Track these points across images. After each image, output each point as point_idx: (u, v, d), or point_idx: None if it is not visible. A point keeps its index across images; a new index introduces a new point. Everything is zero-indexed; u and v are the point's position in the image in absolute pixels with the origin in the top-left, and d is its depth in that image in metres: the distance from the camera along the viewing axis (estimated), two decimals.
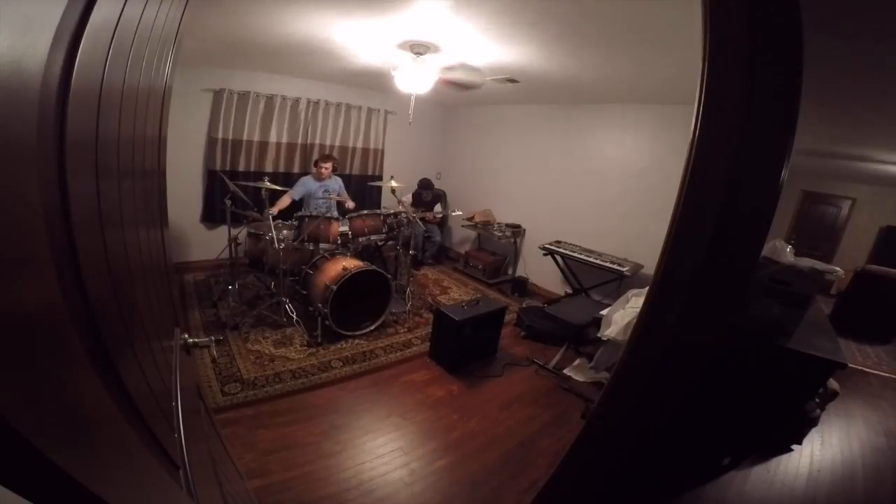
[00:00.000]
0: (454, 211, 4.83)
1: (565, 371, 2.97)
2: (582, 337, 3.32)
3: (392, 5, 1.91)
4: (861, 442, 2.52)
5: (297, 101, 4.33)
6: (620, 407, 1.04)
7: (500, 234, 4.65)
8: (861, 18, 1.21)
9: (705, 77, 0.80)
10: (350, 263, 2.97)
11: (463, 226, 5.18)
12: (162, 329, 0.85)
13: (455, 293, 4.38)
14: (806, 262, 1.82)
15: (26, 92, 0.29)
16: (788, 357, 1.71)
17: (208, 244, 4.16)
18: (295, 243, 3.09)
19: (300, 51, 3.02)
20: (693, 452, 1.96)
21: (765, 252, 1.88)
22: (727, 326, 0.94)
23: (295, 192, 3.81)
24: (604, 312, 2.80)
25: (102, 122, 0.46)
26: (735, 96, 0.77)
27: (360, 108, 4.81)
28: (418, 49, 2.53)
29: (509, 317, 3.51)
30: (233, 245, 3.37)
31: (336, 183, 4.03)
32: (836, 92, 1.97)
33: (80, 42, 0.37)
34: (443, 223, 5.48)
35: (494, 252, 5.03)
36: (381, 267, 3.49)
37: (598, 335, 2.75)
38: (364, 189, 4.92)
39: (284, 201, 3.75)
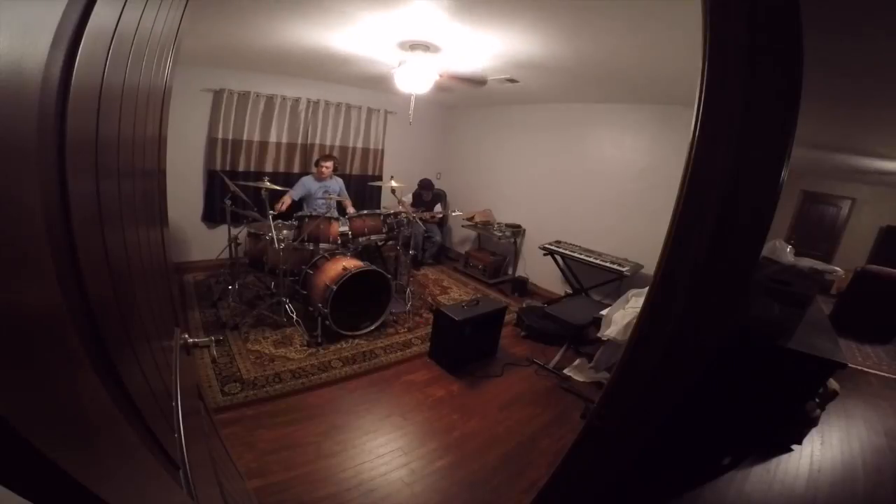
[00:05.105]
0: (454, 211, 4.83)
1: (565, 371, 2.97)
2: (582, 337, 3.32)
3: (391, 4, 1.91)
4: (861, 442, 2.52)
5: (297, 101, 4.33)
6: (620, 407, 1.04)
7: (500, 234, 4.65)
8: (861, 18, 1.21)
9: (705, 77, 0.79)
10: (350, 263, 2.97)
11: (463, 226, 5.18)
12: (162, 329, 0.85)
13: (455, 293, 4.38)
14: (806, 262, 1.82)
15: (26, 92, 0.28)
16: (788, 357, 1.71)
17: (208, 244, 4.16)
18: (295, 243, 3.09)
19: (300, 55, 3.02)
20: (693, 452, 1.96)
21: (765, 252, 1.88)
22: (727, 326, 0.94)
23: (295, 193, 3.81)
24: (604, 312, 2.80)
25: (102, 122, 0.46)
26: (735, 96, 0.77)
27: (360, 108, 4.81)
28: (418, 49, 2.53)
29: (509, 317, 3.51)
30: (233, 245, 3.37)
31: (337, 184, 4.04)
32: (836, 92, 1.97)
33: (80, 42, 0.37)
34: (443, 223, 5.48)
35: (494, 252, 5.03)
36: (381, 267, 3.50)
37: (598, 335, 2.75)
38: (364, 189, 4.92)
39: (285, 201, 3.75)
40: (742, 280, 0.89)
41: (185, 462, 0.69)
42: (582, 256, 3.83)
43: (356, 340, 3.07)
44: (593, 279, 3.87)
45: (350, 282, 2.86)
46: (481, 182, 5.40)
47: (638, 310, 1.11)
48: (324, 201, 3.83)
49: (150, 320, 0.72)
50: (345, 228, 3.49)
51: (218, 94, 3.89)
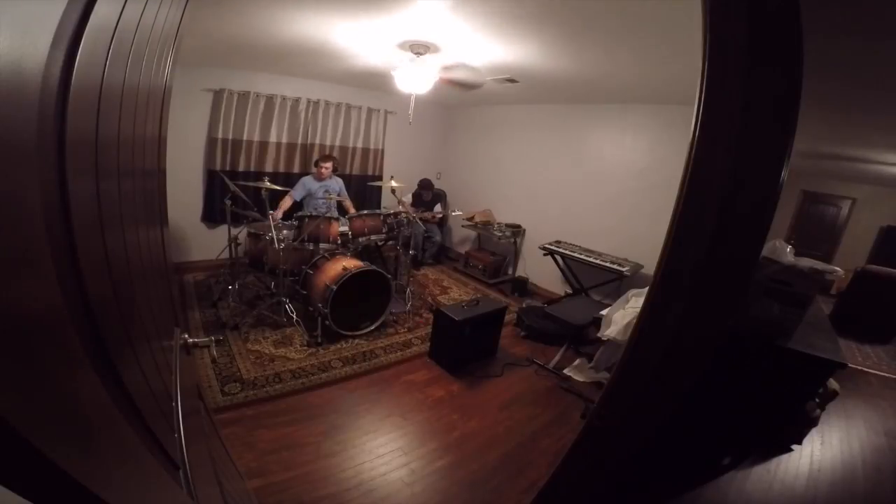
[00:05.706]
0: (454, 211, 4.83)
1: (565, 371, 2.97)
2: (582, 337, 3.32)
3: (391, 5, 1.91)
4: (861, 442, 2.52)
5: (297, 101, 4.33)
6: (620, 407, 1.04)
7: (500, 234, 4.65)
8: (861, 18, 1.21)
9: (705, 77, 0.79)
10: (350, 263, 2.97)
11: (463, 226, 5.18)
12: (162, 329, 0.85)
13: (455, 293, 4.38)
14: (806, 262, 1.82)
15: (26, 92, 0.28)
16: (788, 357, 1.71)
17: (208, 244, 4.16)
18: (295, 243, 3.09)
19: (300, 52, 3.01)
20: (693, 452, 1.96)
21: (765, 252, 1.88)
22: (727, 326, 0.94)
23: (296, 193, 3.82)
24: (604, 312, 2.80)
25: (102, 122, 0.46)
26: (735, 96, 0.77)
27: (360, 108, 4.81)
28: (418, 49, 2.53)
29: (509, 317, 3.51)
30: (233, 245, 3.37)
31: (337, 183, 4.04)
32: (836, 92, 1.97)
33: (80, 42, 0.37)
34: (443, 223, 5.48)
35: (494, 252, 5.03)
36: (381, 267, 3.50)
37: (598, 335, 2.75)
38: (364, 189, 4.92)
39: (286, 202, 3.76)
40: (742, 280, 0.89)
41: (185, 462, 0.69)
42: (582, 256, 3.83)
43: (356, 340, 3.07)
44: (593, 279, 3.87)
45: (350, 282, 2.86)
46: (481, 182, 5.40)
47: (638, 310, 1.11)
48: (324, 201, 3.83)
49: (150, 320, 0.72)
50: (345, 228, 3.49)
51: (218, 94, 3.89)
